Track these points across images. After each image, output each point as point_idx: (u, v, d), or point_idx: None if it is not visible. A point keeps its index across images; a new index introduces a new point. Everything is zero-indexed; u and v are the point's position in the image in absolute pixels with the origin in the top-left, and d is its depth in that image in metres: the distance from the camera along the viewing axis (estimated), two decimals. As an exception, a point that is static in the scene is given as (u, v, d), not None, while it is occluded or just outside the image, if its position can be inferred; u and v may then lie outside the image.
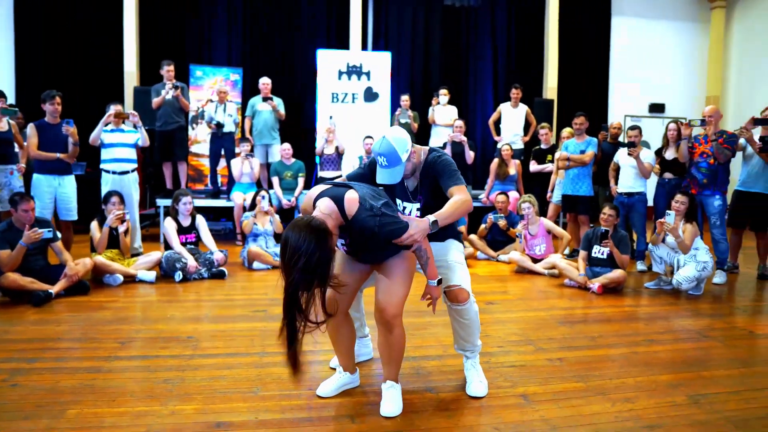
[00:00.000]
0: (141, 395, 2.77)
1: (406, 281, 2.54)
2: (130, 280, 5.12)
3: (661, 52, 10.25)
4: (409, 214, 2.77)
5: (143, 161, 7.91)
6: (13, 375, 2.99)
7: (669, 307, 4.55)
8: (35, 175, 5.26)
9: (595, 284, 4.87)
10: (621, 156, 6.00)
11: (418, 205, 2.78)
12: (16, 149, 5.31)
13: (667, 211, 4.85)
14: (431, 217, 2.45)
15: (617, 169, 6.08)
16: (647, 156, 5.80)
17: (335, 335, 2.74)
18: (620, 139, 6.80)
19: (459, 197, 2.56)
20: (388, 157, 2.54)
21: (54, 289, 4.41)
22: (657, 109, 10.21)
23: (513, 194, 7.26)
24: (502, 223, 6.34)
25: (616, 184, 6.06)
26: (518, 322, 4.04)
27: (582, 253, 5.17)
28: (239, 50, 9.21)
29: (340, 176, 7.60)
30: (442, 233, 2.67)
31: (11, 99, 7.80)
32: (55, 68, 8.34)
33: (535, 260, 5.80)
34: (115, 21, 8.43)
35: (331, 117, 8.10)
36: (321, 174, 7.40)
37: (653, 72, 10.22)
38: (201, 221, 5.62)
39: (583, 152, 6.21)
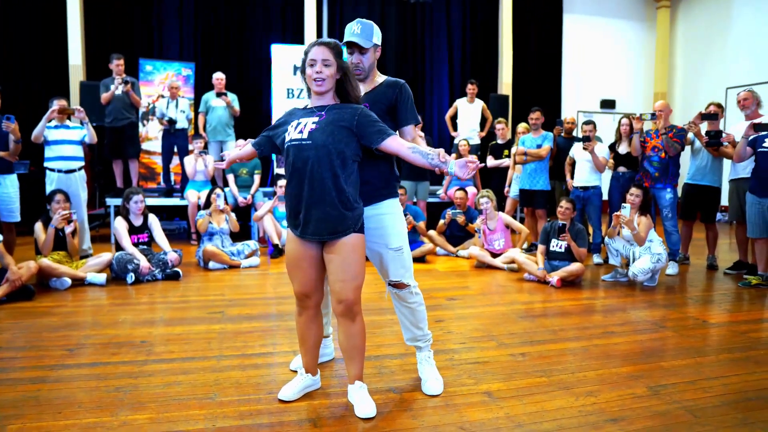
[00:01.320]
0: (90, 406, 2.62)
1: (361, 267, 2.44)
2: (79, 283, 4.89)
3: (611, 50, 10.52)
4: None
5: (92, 159, 7.60)
6: (-52, 389, 2.78)
7: (625, 299, 4.64)
8: (-28, 175, 4.95)
9: (554, 278, 4.94)
10: (576, 150, 6.10)
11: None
12: None
13: (623, 204, 4.95)
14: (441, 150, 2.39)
15: (573, 164, 6.19)
16: (601, 150, 5.92)
17: (305, 331, 2.64)
18: (574, 133, 6.92)
19: (418, 141, 2.62)
20: (363, 27, 2.58)
21: (-6, 295, 4.16)
22: (608, 104, 10.48)
23: (471, 189, 7.30)
24: (460, 218, 6.36)
25: (572, 178, 6.16)
26: (480, 318, 4.04)
27: (540, 247, 5.23)
28: (191, 44, 8.94)
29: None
30: (374, 187, 2.58)
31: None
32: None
33: (495, 255, 5.84)
34: (59, 12, 8.03)
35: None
36: (278, 171, 7.26)
37: (604, 69, 10.48)
38: (153, 220, 5.41)
39: (539, 147, 6.29)
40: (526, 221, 6.71)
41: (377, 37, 2.62)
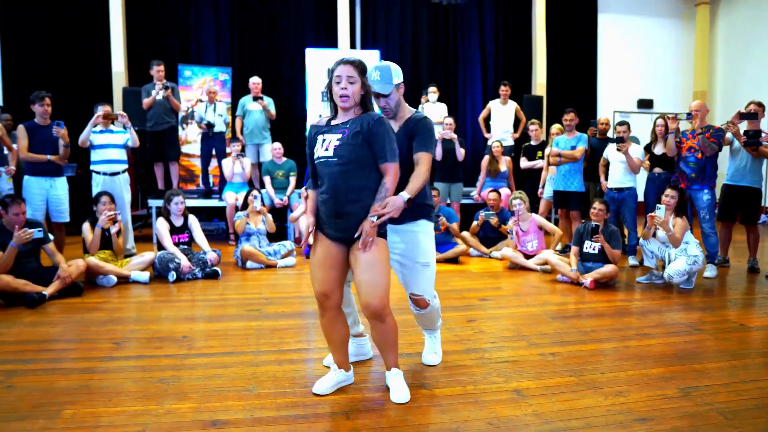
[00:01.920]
0: (137, 395, 2.77)
1: (384, 271, 2.54)
2: (124, 281, 5.11)
3: (648, 49, 10.34)
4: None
5: (134, 162, 7.88)
6: (9, 377, 2.98)
7: (661, 301, 4.60)
8: (26, 177, 5.22)
9: (587, 279, 4.92)
10: (610, 151, 6.05)
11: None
12: (5, 152, 5.27)
13: (657, 205, 4.90)
14: (405, 194, 2.53)
15: (607, 165, 6.14)
16: (636, 151, 5.85)
17: (329, 331, 2.75)
18: (609, 134, 6.85)
19: (423, 169, 2.66)
20: (382, 72, 2.72)
21: (47, 291, 4.40)
22: (645, 104, 10.30)
23: (504, 191, 7.30)
24: (493, 220, 6.38)
25: (606, 179, 6.11)
26: (511, 318, 4.07)
27: (573, 249, 5.22)
28: (227, 50, 9.18)
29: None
30: (413, 207, 2.70)
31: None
32: (43, 69, 8.26)
33: (528, 256, 5.85)
34: (102, 21, 8.37)
35: (320, 116, 8.09)
36: (312, 173, 7.39)
37: (641, 68, 10.31)
38: (193, 221, 5.61)
39: (573, 148, 6.26)
40: (561, 223, 6.68)
41: (397, 76, 2.76)
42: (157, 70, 7.22)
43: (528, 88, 9.62)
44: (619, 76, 10.22)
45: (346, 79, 2.50)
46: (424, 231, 2.83)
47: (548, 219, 6.95)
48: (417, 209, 2.76)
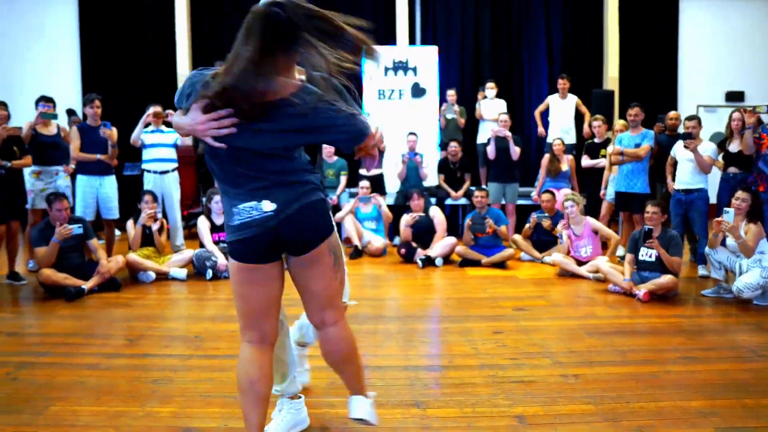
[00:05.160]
0: (125, 395, 2.74)
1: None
2: (164, 277, 5.21)
3: (738, 35, 9.27)
4: None
5: (196, 161, 8.12)
6: (17, 368, 3.06)
7: (725, 319, 4.05)
8: (78, 176, 5.47)
9: (641, 290, 4.42)
10: (678, 149, 5.43)
11: None
12: (73, 152, 5.50)
13: (725, 208, 4.32)
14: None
15: (674, 164, 5.52)
16: (707, 149, 5.22)
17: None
18: (680, 130, 6.19)
19: None
20: None
21: (87, 285, 4.56)
22: (735, 97, 9.25)
23: (563, 192, 6.81)
24: (546, 222, 5.95)
25: (674, 180, 5.50)
26: (542, 332, 3.71)
27: (628, 256, 4.72)
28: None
29: (381, 174, 7.51)
30: None
31: (78, 103, 8.21)
32: (118, 72, 8.72)
33: (581, 263, 5.38)
34: (168, 26, 8.72)
35: (368, 114, 7.96)
36: (362, 172, 7.28)
37: (730, 57, 9.27)
38: (234, 219, 5.64)
39: (638, 146, 5.70)
40: (624, 227, 6.12)
41: None
42: (218, 72, 7.37)
43: (598, 82, 8.95)
44: (704, 66, 9.26)
45: None
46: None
47: (610, 222, 6.42)
48: None
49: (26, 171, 5.22)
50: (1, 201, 4.72)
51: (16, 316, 4.17)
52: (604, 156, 6.51)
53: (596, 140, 6.71)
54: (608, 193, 6.25)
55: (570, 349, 3.36)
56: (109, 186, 5.53)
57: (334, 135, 1.78)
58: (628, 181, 5.80)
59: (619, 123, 6.32)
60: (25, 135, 5.00)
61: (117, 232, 6.13)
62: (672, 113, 6.21)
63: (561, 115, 7.62)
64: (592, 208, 6.38)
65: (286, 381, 2.34)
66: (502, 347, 3.42)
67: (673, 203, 5.36)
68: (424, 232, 6.17)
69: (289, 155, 1.83)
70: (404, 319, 4.08)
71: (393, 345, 3.49)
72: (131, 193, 6.18)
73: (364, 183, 6.78)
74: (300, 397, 2.40)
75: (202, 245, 5.47)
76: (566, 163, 7.03)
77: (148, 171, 5.96)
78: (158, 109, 5.88)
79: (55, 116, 5.26)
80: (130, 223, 5.31)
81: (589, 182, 6.74)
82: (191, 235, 6.97)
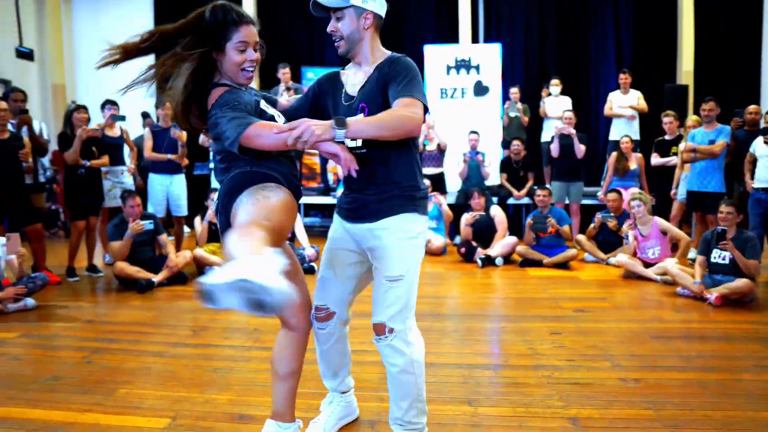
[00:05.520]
0: (187, 382, 2.88)
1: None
2: (228, 271, 5.40)
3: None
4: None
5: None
6: (93, 353, 3.28)
7: (808, 327, 3.76)
8: (150, 175, 5.78)
9: (712, 294, 4.18)
10: (758, 145, 5.09)
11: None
12: (146, 153, 5.80)
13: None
14: (334, 125, 1.71)
15: (754, 161, 5.18)
16: (791, 145, 4.87)
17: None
18: (761, 125, 5.80)
19: (400, 112, 1.81)
20: None
21: (156, 279, 4.80)
22: (827, 90, 8.59)
23: (633, 191, 6.53)
24: (611, 223, 5.73)
25: (752, 178, 5.16)
26: (603, 334, 3.58)
27: (699, 258, 4.47)
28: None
29: (441, 173, 7.46)
30: (389, 199, 1.96)
31: (150, 106, 8.65)
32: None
33: (649, 265, 5.15)
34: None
35: (428, 113, 7.93)
36: (422, 170, 7.27)
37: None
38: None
39: (712, 142, 5.39)
40: (696, 228, 5.80)
41: None
42: (283, 73, 7.56)
43: (671, 76, 8.52)
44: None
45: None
46: (406, 230, 1.98)
47: (682, 224, 6.10)
48: (396, 198, 1.97)
49: None
50: (81, 198, 5.06)
51: (93, 305, 4.45)
52: (675, 153, 6.21)
53: (667, 137, 6.40)
54: (679, 192, 5.94)
55: (631, 353, 3.23)
56: (178, 184, 5.80)
57: (223, 142, 1.81)
58: (701, 180, 5.50)
59: (691, 119, 6.00)
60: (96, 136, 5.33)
61: (186, 229, 6.42)
62: (752, 107, 5.82)
63: (623, 111, 7.31)
64: (662, 209, 6.09)
65: (337, 379, 2.38)
66: (560, 348, 3.33)
67: (752, 203, 5.04)
68: (484, 231, 6.09)
69: (223, 157, 1.96)
70: (461, 318, 4.05)
71: (449, 343, 3.47)
72: (200, 191, 6.46)
73: (425, 182, 6.75)
74: (349, 391, 2.43)
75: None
76: (635, 161, 6.74)
77: (215, 170, 6.20)
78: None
79: (123, 118, 5.58)
80: (197, 220, 5.55)
81: (659, 181, 6.44)
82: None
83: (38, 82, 9.22)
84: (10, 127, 4.78)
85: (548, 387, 2.76)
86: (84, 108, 5.09)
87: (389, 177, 1.98)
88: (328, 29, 2.01)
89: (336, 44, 2.01)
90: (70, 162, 4.94)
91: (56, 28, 9.35)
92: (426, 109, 1.91)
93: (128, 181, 5.61)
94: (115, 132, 5.57)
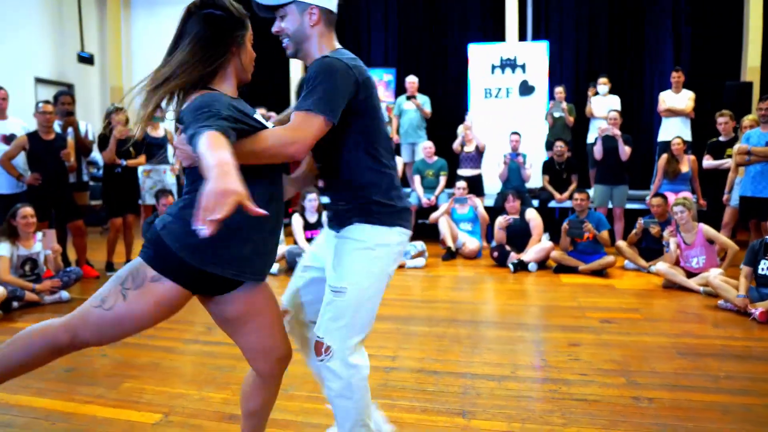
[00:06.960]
0: (188, 378, 2.93)
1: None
2: (258, 270, 5.48)
3: None
4: None
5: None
6: (109, 346, 3.36)
7: None
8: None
9: (757, 309, 3.85)
10: (819, 148, 4.67)
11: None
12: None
13: None
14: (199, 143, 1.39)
15: (814, 165, 4.76)
16: None
17: None
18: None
19: (280, 132, 1.63)
20: None
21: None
22: None
23: (685, 196, 6.15)
24: (654, 229, 5.41)
25: (813, 183, 4.74)
26: (626, 348, 3.37)
27: (744, 269, 4.14)
28: (394, 50, 9.36)
29: (479, 174, 7.29)
30: (350, 210, 1.84)
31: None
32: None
33: (693, 275, 4.83)
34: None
35: (467, 113, 7.78)
36: (459, 172, 7.13)
37: None
38: (327, 218, 5.81)
39: (769, 144, 5.00)
40: (752, 237, 5.39)
41: None
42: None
43: (735, 73, 7.97)
44: None
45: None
46: (359, 240, 1.83)
47: (736, 230, 5.69)
48: (358, 207, 1.84)
49: (139, 169, 5.78)
50: (118, 196, 5.27)
51: (124, 300, 4.61)
52: (729, 156, 5.80)
53: (721, 138, 5.99)
54: (732, 197, 5.54)
55: (652, 370, 3.02)
56: (214, 184, 5.94)
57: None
58: (756, 185, 5.10)
59: (748, 118, 5.59)
60: (138, 136, 5.53)
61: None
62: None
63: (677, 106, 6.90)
64: (714, 215, 5.70)
65: None
66: (574, 361, 3.15)
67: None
68: (518, 235, 5.91)
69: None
70: (477, 324, 3.93)
71: (458, 350, 3.37)
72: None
73: (461, 183, 6.65)
74: None
75: (296, 242, 5.70)
76: (686, 164, 6.35)
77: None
78: (262, 111, 6.22)
79: (162, 119, 5.77)
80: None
81: (712, 186, 6.04)
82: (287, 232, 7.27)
83: (98, 85, 9.72)
84: (57, 128, 5.05)
85: (551, 402, 2.62)
86: (122, 109, 5.30)
87: (349, 189, 1.85)
88: (273, 30, 1.84)
89: (284, 46, 1.87)
90: (106, 161, 5.16)
91: (116, 33, 9.84)
92: (330, 117, 1.65)
93: (170, 180, 5.79)
94: (158, 132, 5.77)
